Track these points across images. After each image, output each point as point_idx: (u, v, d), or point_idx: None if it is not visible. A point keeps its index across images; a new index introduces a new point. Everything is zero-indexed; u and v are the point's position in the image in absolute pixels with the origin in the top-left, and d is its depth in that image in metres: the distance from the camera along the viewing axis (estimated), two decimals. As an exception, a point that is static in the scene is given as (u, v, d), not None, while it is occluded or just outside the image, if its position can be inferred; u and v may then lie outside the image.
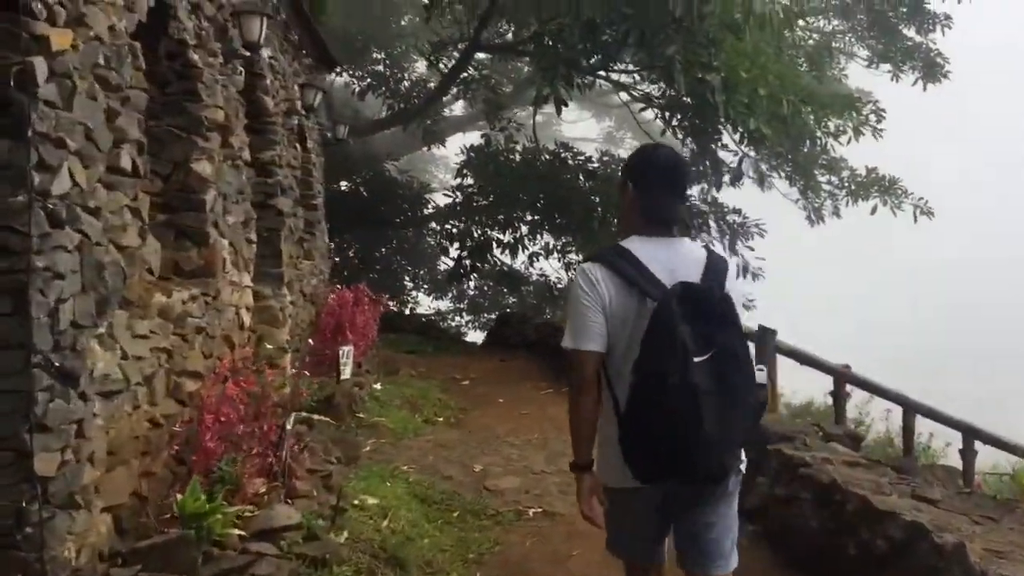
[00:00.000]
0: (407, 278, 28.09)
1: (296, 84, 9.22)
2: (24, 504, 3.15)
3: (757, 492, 6.09)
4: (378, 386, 10.52)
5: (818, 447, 6.16)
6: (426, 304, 31.61)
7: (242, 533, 4.24)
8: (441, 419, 10.44)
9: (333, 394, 8.85)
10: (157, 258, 4.54)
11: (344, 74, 25.64)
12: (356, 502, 5.94)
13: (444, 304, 31.14)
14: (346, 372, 9.42)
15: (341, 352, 9.24)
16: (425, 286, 27.28)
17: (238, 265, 6.42)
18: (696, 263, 2.90)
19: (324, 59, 11.61)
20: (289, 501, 4.87)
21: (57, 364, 3.18)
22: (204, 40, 5.75)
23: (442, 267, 24.81)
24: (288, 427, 5.20)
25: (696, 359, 2.66)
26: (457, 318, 30.53)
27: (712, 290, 2.80)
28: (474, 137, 23.11)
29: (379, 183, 25.41)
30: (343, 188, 25.55)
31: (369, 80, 23.93)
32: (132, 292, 4.19)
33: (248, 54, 6.53)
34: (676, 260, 2.88)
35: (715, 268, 2.89)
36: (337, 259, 27.26)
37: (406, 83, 24.48)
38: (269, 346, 8.16)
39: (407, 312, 25.60)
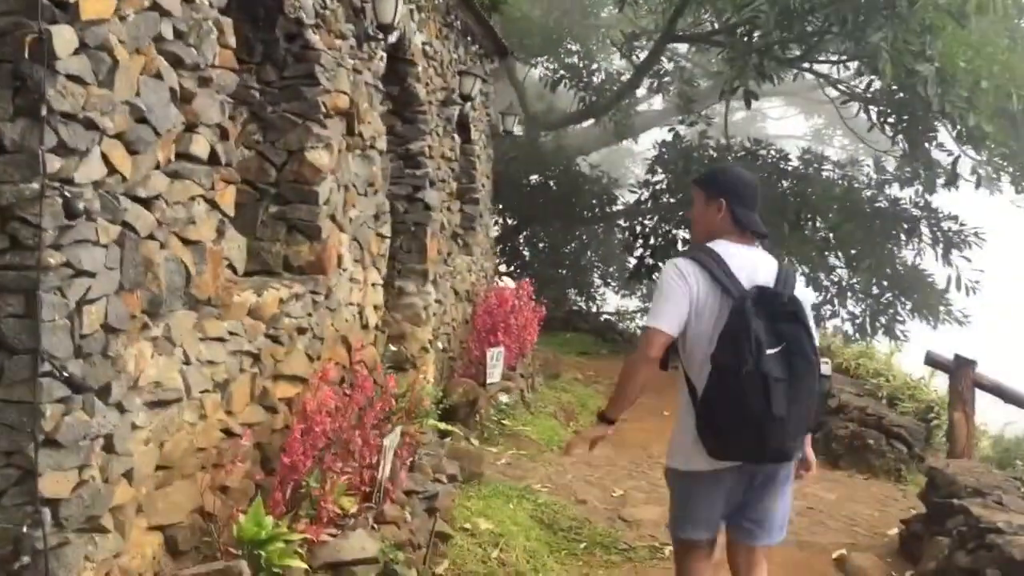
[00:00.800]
0: (596, 274, 27.58)
1: (456, 72, 8.80)
2: (25, 529, 2.79)
3: (935, 553, 5.11)
4: (531, 391, 9.99)
5: (1018, 508, 5.10)
6: (614, 302, 30.95)
7: (306, 566, 3.79)
8: (598, 430, 9.76)
9: (476, 399, 8.41)
10: (241, 253, 4.16)
11: (539, 66, 25.41)
12: (467, 526, 5.42)
13: (633, 303, 30.44)
14: (494, 375, 8.96)
15: (489, 354, 8.79)
16: (614, 283, 26.70)
17: (363, 261, 6.03)
18: (770, 270, 3.33)
19: (496, 48, 11.19)
20: (376, 527, 4.39)
21: (65, 373, 2.79)
22: (328, 20, 5.37)
23: (630, 264, 24.06)
24: (387, 441, 4.73)
25: (768, 351, 3.05)
26: (642, 318, 29.70)
27: (782, 293, 3.22)
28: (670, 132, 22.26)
29: (570, 178, 25.01)
30: (534, 182, 25.39)
31: (561, 72, 23.51)
32: (203, 290, 3.82)
33: (381, 36, 6.11)
34: (755, 266, 3.30)
35: (786, 275, 3.33)
36: (526, 253, 27.18)
37: (599, 76, 23.88)
38: (410, 346, 7.79)
39: (592, 310, 25.08)
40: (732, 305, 3.14)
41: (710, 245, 3.33)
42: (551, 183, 25.33)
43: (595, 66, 24.43)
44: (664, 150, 19.28)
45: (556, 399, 10.59)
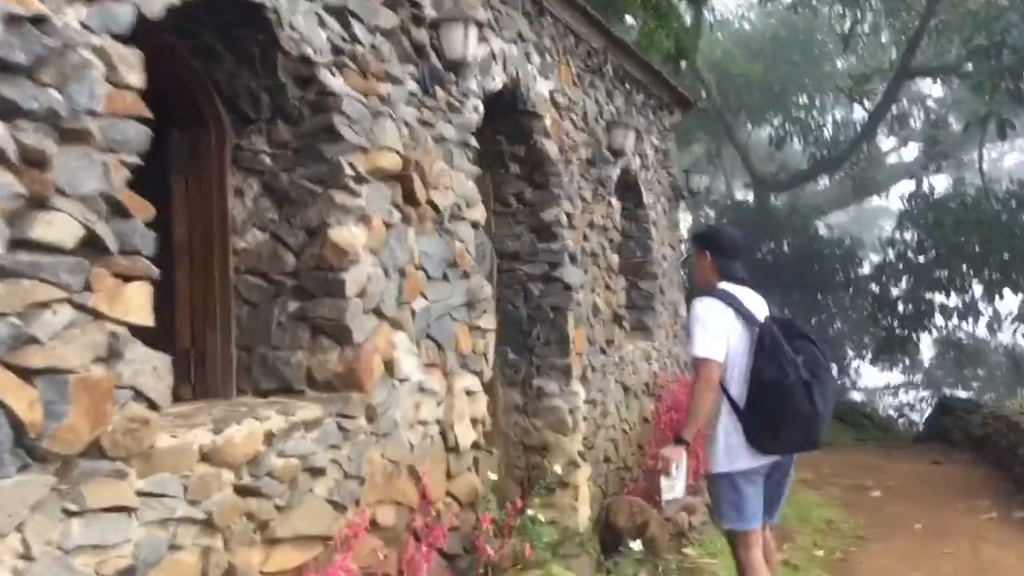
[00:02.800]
0: (848, 347, 24.95)
1: (604, 125, 7.36)
2: None
3: None
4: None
5: None
6: (870, 377, 27.87)
7: None
8: (820, 553, 7.75)
9: (646, 523, 6.72)
10: (160, 379, 2.89)
11: (763, 124, 23.45)
12: None
13: (895, 376, 27.40)
14: (674, 490, 7.17)
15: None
16: (869, 355, 23.99)
17: (443, 364, 4.66)
18: (763, 303, 4.30)
19: (676, 99, 9.67)
20: None
21: None
22: (361, 59, 4.13)
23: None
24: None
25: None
26: (903, 395, 26.42)
27: (790, 318, 4.44)
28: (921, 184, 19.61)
29: (807, 242, 22.76)
30: (766, 250, 23.32)
31: (787, 127, 21.48)
32: (70, 441, 2.57)
33: (452, 79, 4.80)
34: (753, 301, 4.24)
35: (769, 305, 4.34)
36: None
37: (830, 129, 21.61)
38: (554, 460, 6.29)
39: (845, 384, 22.48)
40: (760, 330, 4.02)
41: (721, 287, 4.20)
42: (786, 249, 23.18)
43: (825, 118, 22.20)
44: (912, 203, 16.72)
45: (767, 512, 8.62)
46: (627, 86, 8.13)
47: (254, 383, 4.01)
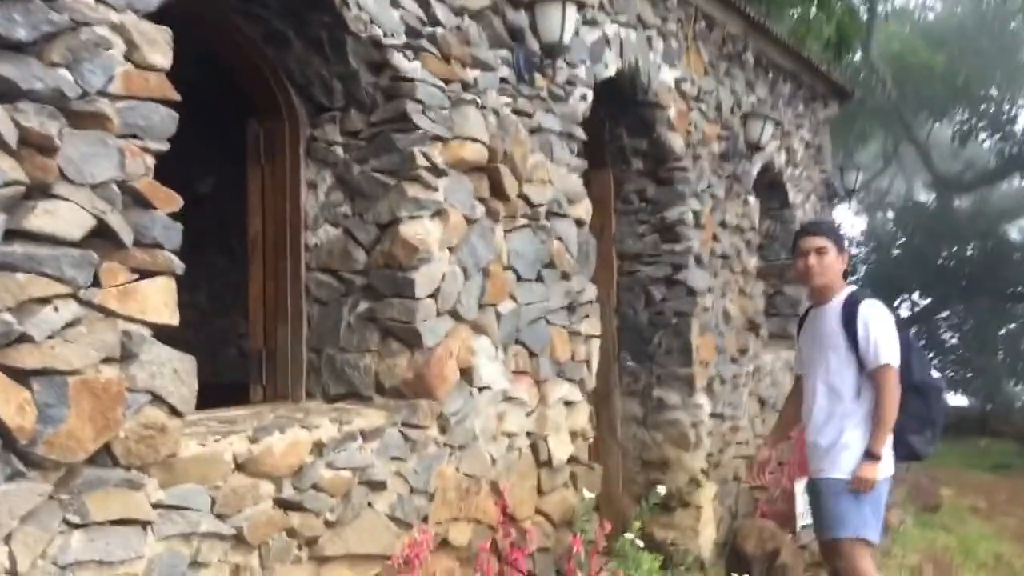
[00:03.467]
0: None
1: (741, 116, 6.81)
2: None
3: None
4: (884, 534, 7.35)
5: None
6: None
7: None
8: (977, 602, 6.90)
9: (776, 550, 6.14)
10: (183, 383, 2.68)
11: (946, 119, 21.84)
12: None
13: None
14: (810, 515, 6.59)
15: (799, 487, 6.50)
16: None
17: (536, 372, 4.32)
18: None
19: (833, 90, 8.95)
20: None
21: None
22: (443, 41, 3.85)
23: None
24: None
25: None
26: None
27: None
28: None
29: (994, 247, 21.14)
30: (947, 255, 21.80)
31: (973, 122, 19.90)
32: (71, 448, 2.39)
33: (547, 61, 4.44)
34: None
35: None
36: (947, 337, 23.25)
37: (1020, 123, 19.88)
38: (675, 477, 5.85)
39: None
40: (907, 338, 4.04)
41: (853, 288, 4.21)
42: (969, 254, 21.54)
43: (1016, 112, 20.45)
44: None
45: (927, 544, 7.80)
46: (771, 75, 7.52)
47: (323, 387, 3.79)
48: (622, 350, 6.12)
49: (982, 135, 20.54)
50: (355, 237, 3.73)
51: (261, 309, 3.90)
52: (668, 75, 5.86)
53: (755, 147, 6.61)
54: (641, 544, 4.44)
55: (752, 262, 7.00)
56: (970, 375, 22.21)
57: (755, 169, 7.15)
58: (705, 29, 6.37)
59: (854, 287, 4.17)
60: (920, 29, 23.18)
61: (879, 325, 3.87)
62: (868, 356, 3.86)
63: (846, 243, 4.20)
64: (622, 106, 5.72)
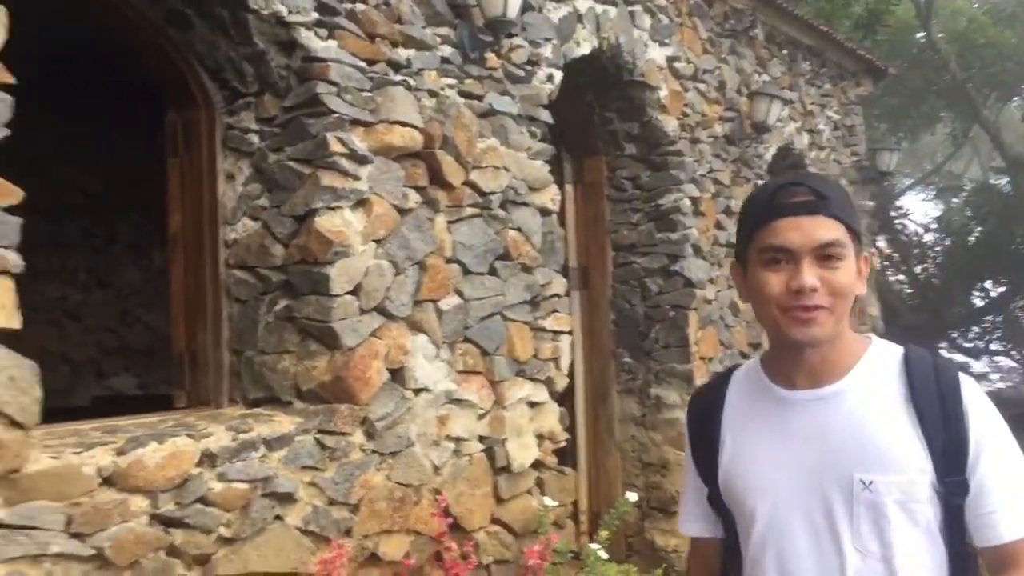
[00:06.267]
0: None
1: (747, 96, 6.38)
2: None
3: None
4: None
5: None
6: None
7: None
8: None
9: None
10: (24, 392, 2.45)
11: (1022, 98, 20.76)
12: None
13: None
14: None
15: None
16: None
17: (489, 371, 4.01)
18: None
19: (865, 67, 8.43)
20: None
21: None
22: (363, 18, 3.58)
23: None
24: None
25: None
26: None
27: None
28: None
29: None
30: (1019, 240, 20.74)
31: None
32: None
33: (490, 38, 4.12)
34: None
35: None
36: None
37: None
38: (675, 480, 5.50)
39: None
40: None
41: None
42: (1045, 245, 20.46)
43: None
44: None
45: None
46: (786, 52, 7.07)
47: (243, 391, 3.55)
48: (619, 346, 5.77)
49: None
50: (272, 231, 3.48)
51: (182, 309, 3.67)
52: (657, 53, 5.49)
53: (763, 128, 6.18)
54: (605, 555, 4.09)
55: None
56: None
57: (769, 152, 6.72)
58: (702, 4, 5.98)
59: (884, 341, 1.63)
60: (988, 6, 22.10)
61: (1008, 445, 1.51)
62: (996, 516, 1.47)
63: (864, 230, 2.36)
64: (607, 88, 5.38)
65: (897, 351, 1.50)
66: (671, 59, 5.61)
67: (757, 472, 1.51)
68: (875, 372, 1.48)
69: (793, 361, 1.49)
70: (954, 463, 1.41)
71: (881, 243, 14.03)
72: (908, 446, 1.41)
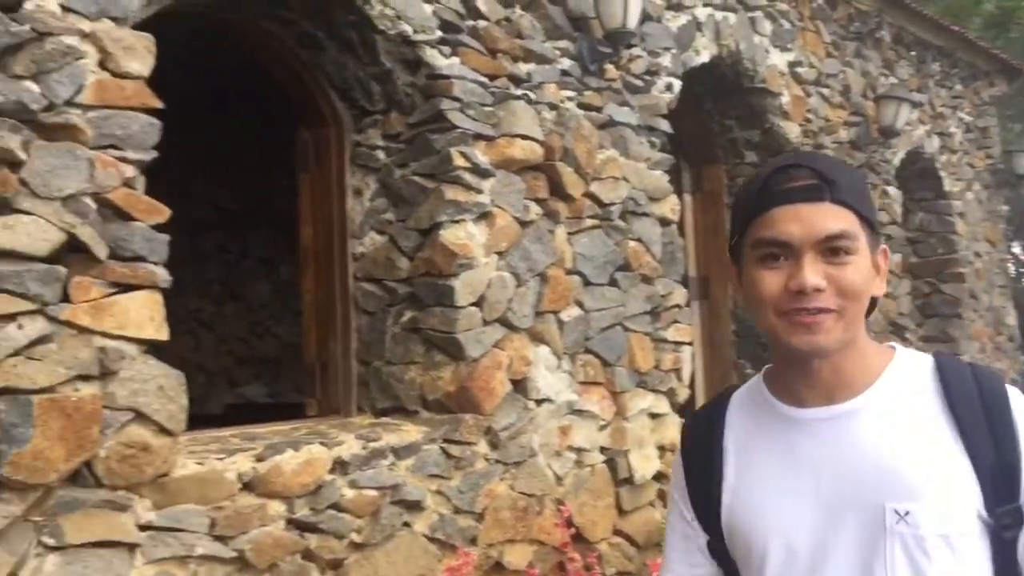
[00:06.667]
0: None
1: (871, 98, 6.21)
2: None
3: None
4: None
5: None
6: None
7: None
8: None
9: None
10: (169, 400, 2.59)
11: None
12: None
13: None
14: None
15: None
16: None
17: (610, 382, 4.02)
18: None
19: (1001, 67, 8.10)
20: None
21: None
22: (486, 35, 3.65)
23: None
24: None
25: None
26: None
27: None
28: None
29: None
30: None
31: None
32: (39, 470, 2.33)
33: (609, 50, 4.12)
34: None
35: None
36: None
37: None
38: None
39: None
40: None
41: None
42: None
43: None
44: None
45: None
46: (915, 53, 6.85)
47: (371, 401, 3.65)
48: (740, 356, 5.69)
49: None
50: (398, 244, 3.57)
51: (314, 321, 3.80)
52: (779, 58, 5.41)
53: (890, 132, 6.00)
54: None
55: (897, 257, 6.37)
56: None
57: (897, 157, 6.52)
58: (825, 7, 5.85)
59: (910, 350, 1.34)
60: None
61: None
62: None
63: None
64: (727, 95, 5.32)
65: (926, 360, 1.24)
66: (793, 64, 5.51)
67: (764, 509, 1.22)
68: (901, 385, 1.21)
69: (800, 375, 1.21)
70: (1006, 489, 1.15)
71: (1016, 249, 13.45)
72: (949, 469, 1.14)
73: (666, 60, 4.53)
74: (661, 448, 4.28)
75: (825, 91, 5.76)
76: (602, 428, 3.99)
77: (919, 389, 1.20)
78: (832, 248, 1.14)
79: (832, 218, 1.14)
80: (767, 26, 5.31)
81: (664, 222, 4.40)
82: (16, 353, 2.31)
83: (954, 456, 1.14)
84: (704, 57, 4.81)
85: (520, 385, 3.63)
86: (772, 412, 1.25)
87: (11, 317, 2.32)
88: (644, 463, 4.16)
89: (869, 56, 6.29)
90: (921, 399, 1.19)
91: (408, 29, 3.38)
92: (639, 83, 4.34)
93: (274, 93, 3.95)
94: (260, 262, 6.89)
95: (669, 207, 4.43)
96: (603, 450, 4.00)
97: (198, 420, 3.25)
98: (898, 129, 6.02)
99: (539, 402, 3.70)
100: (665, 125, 4.48)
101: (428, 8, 3.45)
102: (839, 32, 6.01)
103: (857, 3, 6.11)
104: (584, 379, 3.92)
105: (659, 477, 4.25)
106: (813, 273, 1.13)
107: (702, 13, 4.80)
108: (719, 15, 4.91)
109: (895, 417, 1.18)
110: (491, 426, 3.49)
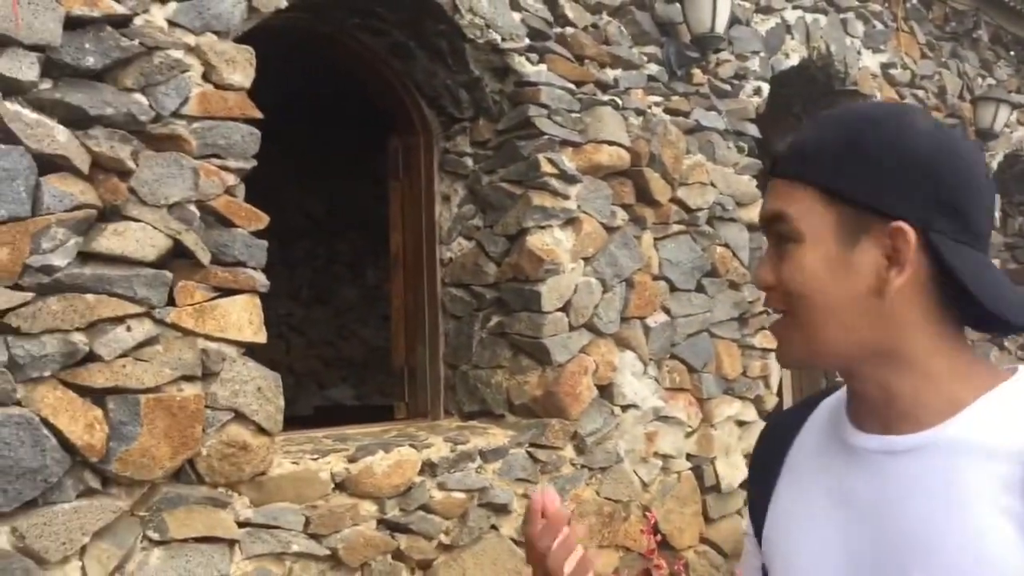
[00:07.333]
0: None
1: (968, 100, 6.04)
2: None
3: None
4: None
5: None
6: None
7: None
8: None
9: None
10: (268, 401, 2.67)
11: None
12: None
13: None
14: None
15: None
16: None
17: (696, 388, 3.99)
18: None
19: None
20: None
21: None
22: (573, 41, 3.67)
23: None
24: None
25: None
26: None
27: None
28: None
29: None
30: None
31: None
32: (146, 467, 2.43)
33: (696, 54, 4.10)
34: None
35: None
36: None
37: None
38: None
39: None
40: None
41: None
42: None
43: None
44: None
45: None
46: (1014, 53, 6.65)
47: (458, 404, 3.69)
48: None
49: None
50: (486, 250, 3.61)
51: (402, 325, 3.86)
52: (871, 60, 5.31)
53: (988, 134, 5.83)
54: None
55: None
56: None
57: (995, 159, 6.33)
58: (920, 7, 5.72)
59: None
60: None
61: None
62: None
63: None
64: (816, 98, 5.24)
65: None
66: (886, 66, 5.40)
67: (787, 546, 0.95)
68: (997, 426, 0.80)
69: (851, 391, 0.92)
70: None
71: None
72: (1014, 559, 0.76)
73: (754, 64, 4.49)
74: (748, 456, 4.23)
75: (920, 93, 5.64)
76: (688, 435, 3.97)
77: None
78: (776, 234, 0.88)
79: (772, 197, 0.90)
80: (859, 27, 5.22)
81: (752, 227, 4.35)
82: (125, 354, 2.41)
83: None
84: (793, 60, 4.75)
85: (606, 391, 3.63)
86: (836, 429, 0.95)
87: (120, 319, 2.41)
88: (731, 471, 4.12)
89: (966, 57, 6.13)
90: (1020, 451, 0.78)
91: (497, 37, 3.42)
92: (727, 87, 4.31)
93: (359, 101, 4.02)
94: (347, 267, 7.01)
95: (757, 212, 4.38)
96: (689, 457, 3.98)
97: (289, 421, 3.34)
98: (996, 131, 5.85)
99: (625, 408, 3.70)
100: (753, 129, 4.44)
101: (517, 16, 3.48)
102: (934, 32, 5.87)
103: (953, 3, 5.96)
104: (670, 385, 3.90)
105: (746, 486, 4.20)
106: (761, 266, 0.90)
107: (791, 16, 4.74)
108: (809, 17, 4.85)
109: (971, 467, 0.80)
110: (577, 431, 3.50)
